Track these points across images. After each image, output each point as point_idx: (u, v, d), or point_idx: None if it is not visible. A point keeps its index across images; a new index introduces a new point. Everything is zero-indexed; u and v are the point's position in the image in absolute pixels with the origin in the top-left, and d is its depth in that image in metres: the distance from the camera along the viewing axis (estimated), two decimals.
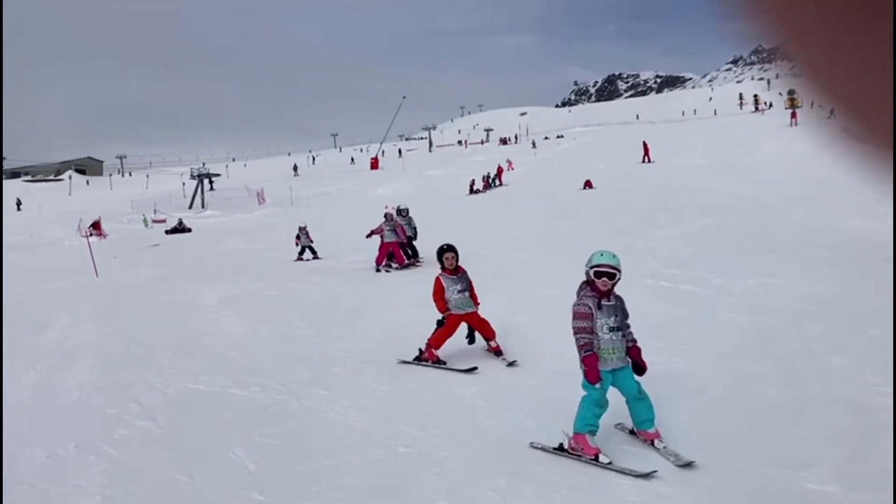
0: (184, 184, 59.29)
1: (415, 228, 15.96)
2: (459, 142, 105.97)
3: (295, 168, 76.04)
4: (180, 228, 34.68)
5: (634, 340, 5.37)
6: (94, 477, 5.40)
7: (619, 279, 5.39)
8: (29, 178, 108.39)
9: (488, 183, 40.33)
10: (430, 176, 48.75)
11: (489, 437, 5.66)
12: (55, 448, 6.01)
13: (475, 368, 7.35)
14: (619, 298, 5.46)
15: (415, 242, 15.76)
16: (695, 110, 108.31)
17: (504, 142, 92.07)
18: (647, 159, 40.17)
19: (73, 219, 38.20)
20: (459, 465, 5.16)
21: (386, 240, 15.36)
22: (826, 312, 8.26)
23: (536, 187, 35.27)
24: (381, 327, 9.73)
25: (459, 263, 8.14)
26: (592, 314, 5.23)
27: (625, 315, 5.43)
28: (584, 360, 5.15)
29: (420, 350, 7.83)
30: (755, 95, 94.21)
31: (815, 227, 13.95)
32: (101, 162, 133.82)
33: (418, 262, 15.32)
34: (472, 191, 37.95)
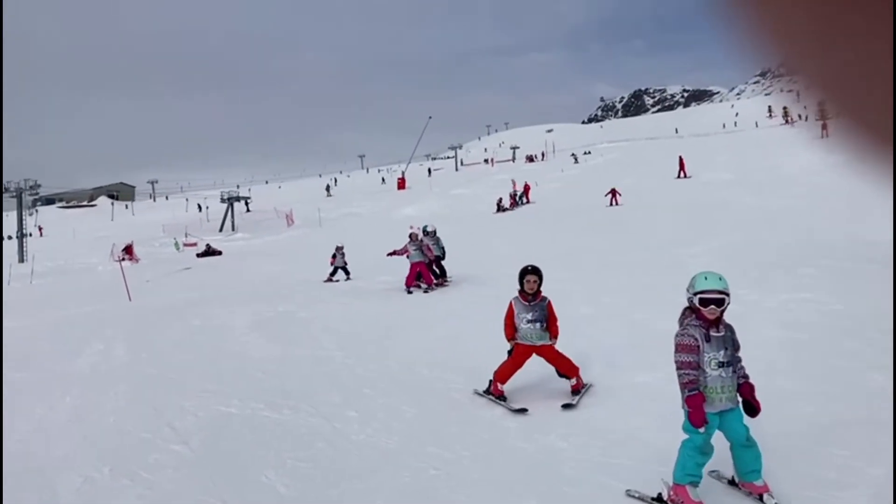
0: (207, 207, 60.49)
1: (443, 248, 15.90)
2: (486, 160, 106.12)
3: (327, 188, 78.70)
4: (211, 251, 35.10)
5: (746, 376, 4.71)
6: (129, 501, 5.45)
7: (728, 305, 4.72)
8: (63, 204, 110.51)
9: (515, 201, 40.34)
10: (458, 195, 48.89)
11: (520, 459, 5.62)
12: (91, 472, 6.08)
13: (524, 410, 6.65)
14: (729, 328, 4.77)
15: (443, 262, 15.72)
16: (724, 124, 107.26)
17: (531, 159, 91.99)
18: (682, 174, 39.64)
19: (107, 244, 38.86)
20: (490, 488, 5.13)
21: (412, 260, 15.23)
22: (862, 328, 8.11)
23: (564, 204, 35.22)
24: (410, 348, 9.74)
25: (540, 289, 7.31)
26: (699, 347, 4.60)
27: (736, 347, 4.75)
28: (687, 401, 4.53)
29: (490, 381, 7.20)
30: (784, 108, 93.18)
31: (849, 241, 13.73)
32: (133, 187, 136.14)
33: (446, 281, 15.31)
34: (499, 209, 37.98)
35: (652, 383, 7.18)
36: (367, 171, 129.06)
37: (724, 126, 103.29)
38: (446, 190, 53.14)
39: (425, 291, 14.68)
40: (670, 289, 11.61)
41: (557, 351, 7.14)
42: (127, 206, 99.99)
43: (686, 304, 4.81)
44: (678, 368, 4.61)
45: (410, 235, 15.80)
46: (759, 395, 6.35)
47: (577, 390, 7.02)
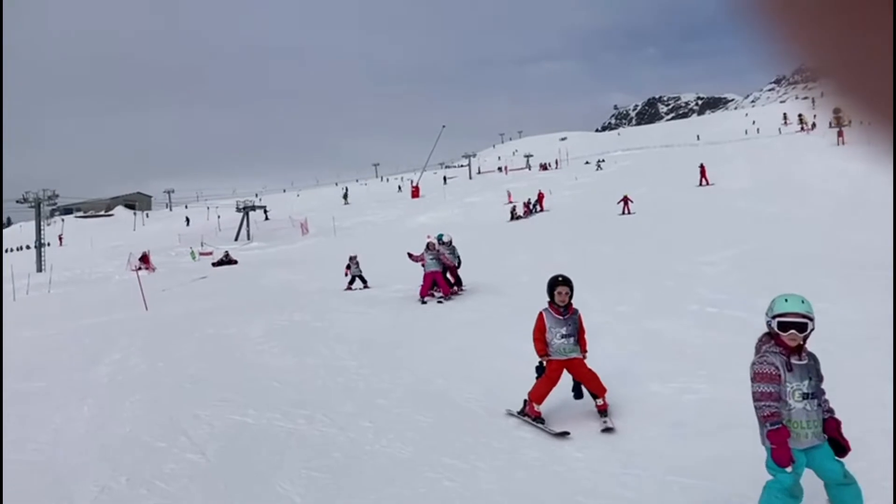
0: (218, 216, 61.16)
1: (459, 258, 15.86)
2: (500, 168, 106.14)
3: (345, 196, 79.45)
4: (227, 261, 35.26)
5: (832, 411, 4.32)
6: None
7: (812, 330, 4.26)
8: (81, 213, 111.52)
9: (529, 209, 40.31)
10: (472, 203, 48.92)
11: (535, 470, 5.60)
12: (108, 482, 6.12)
13: (567, 433, 6.21)
14: (812, 356, 4.33)
15: (458, 271, 15.67)
16: (746, 130, 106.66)
17: (544, 167, 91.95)
18: (704, 182, 38.99)
19: (124, 253, 39.16)
20: (505, 499, 5.12)
21: (428, 269, 14.95)
22: (884, 338, 8.01)
23: (578, 212, 35.16)
24: (425, 358, 9.74)
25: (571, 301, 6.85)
26: (780, 376, 4.19)
27: (820, 378, 4.32)
28: (770, 436, 4.09)
29: (524, 401, 6.79)
30: (800, 115, 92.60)
31: (868, 248, 13.59)
32: (150, 197, 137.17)
33: (461, 290, 15.30)
34: (513, 217, 37.97)
35: (666, 394, 7.16)
36: (382, 179, 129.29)
37: (745, 133, 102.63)
38: (461, 198, 53.18)
39: (440, 301, 14.45)
40: (685, 297, 11.60)
41: (588, 367, 6.73)
42: (148, 215, 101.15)
43: (765, 330, 4.44)
44: (756, 400, 4.23)
45: (428, 245, 15.49)
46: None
47: (604, 411, 6.57)
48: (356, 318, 13.47)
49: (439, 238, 16.55)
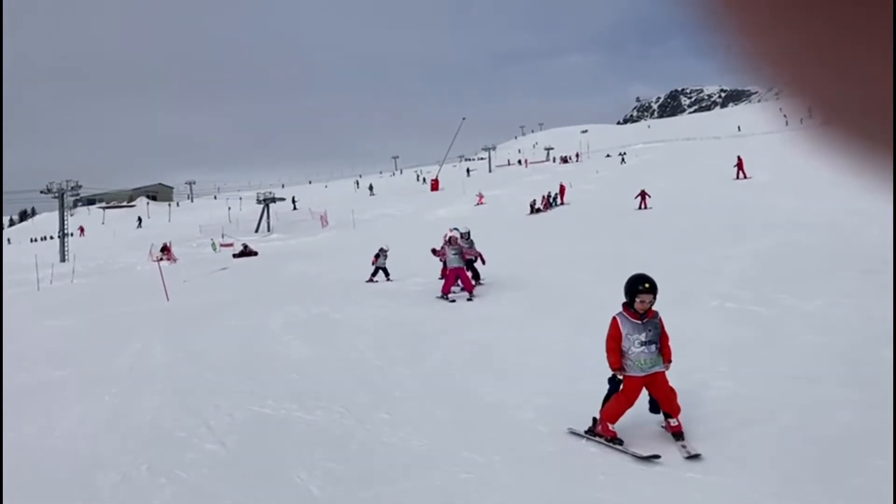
0: (231, 208, 62.03)
1: (478, 253, 15.73)
2: (519, 161, 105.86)
3: (370, 187, 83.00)
4: (247, 252, 35.51)
5: None
6: (165, 499, 5.55)
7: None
8: (104, 204, 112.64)
9: (549, 202, 40.17)
10: (491, 196, 48.82)
11: (552, 464, 5.60)
12: (129, 470, 6.19)
13: (657, 457, 5.45)
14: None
15: (476, 265, 15.56)
16: (786, 121, 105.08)
17: (565, 160, 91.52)
18: (742, 175, 37.38)
19: (145, 244, 39.54)
20: (521, 493, 5.12)
21: (450, 265, 14.34)
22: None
23: (598, 206, 34.99)
24: (443, 351, 9.76)
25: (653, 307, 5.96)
26: None
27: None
28: None
29: (594, 420, 6.03)
30: (809, 109, 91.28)
31: (888, 245, 13.41)
32: (172, 188, 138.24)
33: (479, 283, 15.27)
34: (532, 210, 37.87)
35: (686, 389, 7.10)
36: (402, 172, 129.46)
37: (786, 124, 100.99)
38: (480, 191, 53.09)
39: (469, 300, 13.74)
40: (705, 292, 11.51)
41: (669, 383, 5.89)
42: (174, 204, 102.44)
43: None
44: None
45: (449, 239, 14.91)
46: (795, 403, 6.27)
47: (680, 433, 5.76)
48: (375, 310, 13.50)
49: (459, 232, 16.49)
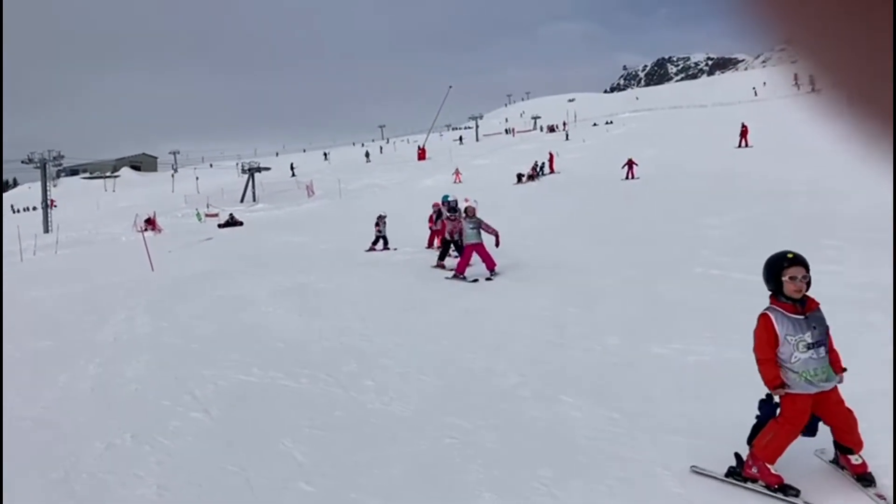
0: (196, 178, 61.83)
1: (496, 231, 14.43)
2: (507, 130, 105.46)
3: (367, 155, 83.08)
4: (233, 222, 35.29)
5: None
6: (149, 467, 5.55)
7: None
8: (87, 175, 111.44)
9: (536, 172, 40.03)
10: (479, 166, 48.67)
11: (535, 429, 5.63)
12: (113, 439, 6.19)
13: None
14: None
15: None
16: (755, 90, 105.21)
17: (552, 129, 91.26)
18: (744, 143, 36.76)
19: (130, 214, 39.21)
20: (505, 456, 5.15)
21: (468, 241, 12.59)
22: (888, 300, 7.99)
23: (586, 175, 34.99)
24: (430, 320, 9.77)
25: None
26: None
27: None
28: None
29: (738, 456, 4.53)
30: (810, 75, 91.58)
31: (878, 213, 13.47)
32: (156, 158, 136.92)
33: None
34: (519, 180, 37.77)
35: (668, 355, 7.16)
36: (388, 141, 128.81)
37: (755, 94, 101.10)
38: (467, 161, 52.89)
39: (489, 279, 12.14)
40: (691, 260, 11.56)
41: (845, 404, 4.37)
42: (175, 171, 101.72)
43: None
44: None
45: (466, 210, 13.02)
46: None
47: (866, 475, 4.30)
48: (362, 280, 13.49)
49: (444, 199, 16.34)
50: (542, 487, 4.62)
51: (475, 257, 12.47)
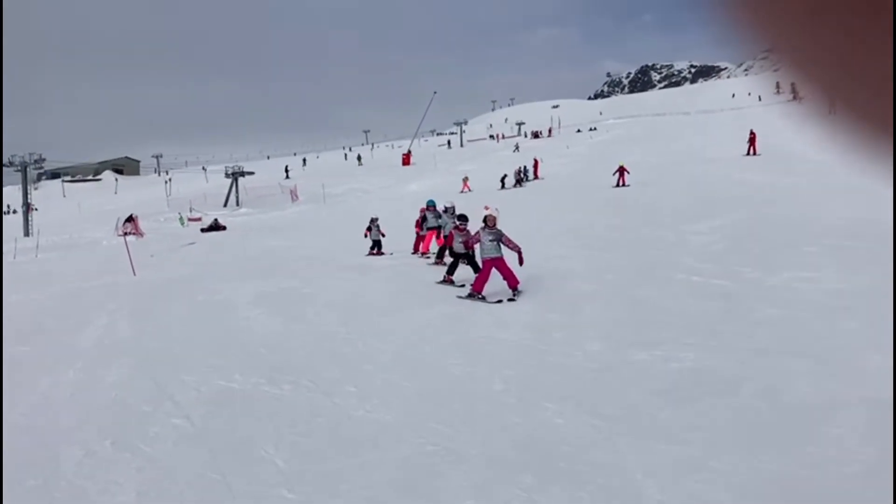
0: (167, 181, 61.34)
1: (518, 247, 12.97)
2: (491, 136, 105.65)
3: (359, 158, 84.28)
4: (216, 227, 35.13)
5: None
6: (129, 474, 5.51)
7: None
8: (69, 178, 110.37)
9: (520, 177, 40.13)
10: (463, 171, 48.73)
11: (517, 435, 5.65)
12: (93, 445, 6.14)
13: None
14: None
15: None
16: (734, 95, 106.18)
17: (536, 135, 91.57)
18: (752, 150, 35.17)
19: (112, 218, 38.91)
20: (487, 462, 5.16)
21: (486, 255, 10.95)
22: (863, 308, 8.09)
23: (570, 181, 35.13)
24: (414, 324, 9.75)
25: None
26: None
27: None
28: None
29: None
30: (792, 83, 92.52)
31: (855, 220, 13.63)
32: (138, 162, 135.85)
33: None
34: (503, 186, 37.84)
35: (650, 361, 7.21)
36: (373, 146, 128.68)
37: (733, 97, 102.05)
38: (452, 166, 52.97)
39: (511, 299, 10.52)
40: (673, 267, 11.64)
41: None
42: (168, 175, 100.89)
43: None
44: None
45: (485, 219, 11.18)
46: (756, 375, 6.40)
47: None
48: (346, 285, 13.45)
49: (430, 204, 16.30)
50: (523, 494, 4.64)
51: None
